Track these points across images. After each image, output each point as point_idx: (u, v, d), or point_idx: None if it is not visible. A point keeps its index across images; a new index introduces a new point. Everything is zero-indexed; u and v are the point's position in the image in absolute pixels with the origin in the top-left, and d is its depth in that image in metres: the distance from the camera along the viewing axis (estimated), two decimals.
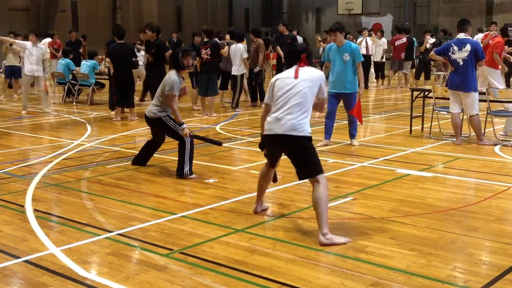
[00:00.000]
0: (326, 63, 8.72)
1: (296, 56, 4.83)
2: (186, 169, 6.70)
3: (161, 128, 7.01)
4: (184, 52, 6.95)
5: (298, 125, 4.61)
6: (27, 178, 6.77)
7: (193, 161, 6.81)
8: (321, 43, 20.17)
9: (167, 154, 7.95)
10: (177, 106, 6.78)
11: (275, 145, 4.86)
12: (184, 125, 6.80)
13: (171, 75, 6.83)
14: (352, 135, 8.67)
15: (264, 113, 4.93)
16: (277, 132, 4.67)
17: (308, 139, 4.67)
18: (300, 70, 4.75)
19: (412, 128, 9.71)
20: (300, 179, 4.83)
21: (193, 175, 6.70)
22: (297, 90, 4.65)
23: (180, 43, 18.87)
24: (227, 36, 14.11)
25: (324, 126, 8.71)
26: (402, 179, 6.62)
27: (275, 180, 5.40)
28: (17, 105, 14.73)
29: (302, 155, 4.70)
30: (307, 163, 4.68)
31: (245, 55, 13.11)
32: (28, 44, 13.12)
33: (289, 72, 4.80)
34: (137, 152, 7.59)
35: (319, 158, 4.78)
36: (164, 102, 6.84)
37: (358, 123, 8.68)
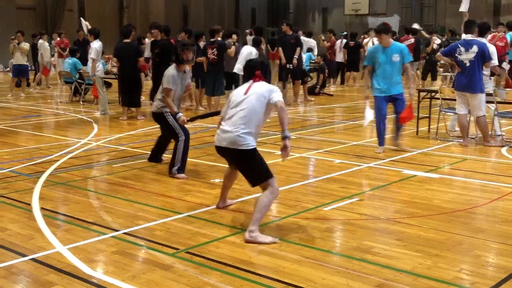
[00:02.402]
0: (369, 67, 8.30)
1: (251, 71, 4.95)
2: (175, 168, 6.74)
3: (162, 124, 7.06)
4: (184, 47, 6.95)
5: (240, 139, 4.71)
6: (34, 177, 6.79)
7: (199, 161, 6.82)
8: (325, 42, 20.15)
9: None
10: (171, 99, 6.76)
11: (220, 154, 5.01)
12: (180, 114, 6.82)
13: (170, 69, 6.89)
14: (397, 137, 8.36)
15: (218, 125, 5.02)
16: (221, 144, 4.84)
17: (250, 151, 4.76)
18: (252, 86, 4.85)
19: (419, 129, 9.69)
20: (251, 186, 4.92)
21: (182, 175, 6.71)
22: (245, 105, 4.75)
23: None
24: (234, 36, 14.11)
25: (376, 132, 8.29)
26: (409, 180, 6.61)
27: None
28: (24, 104, 14.79)
29: (245, 166, 4.86)
30: (252, 173, 4.82)
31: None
32: None
33: (243, 87, 4.93)
34: (144, 150, 7.60)
35: (266, 163, 4.89)
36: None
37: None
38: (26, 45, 16.85)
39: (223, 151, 4.90)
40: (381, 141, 8.23)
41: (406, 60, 8.06)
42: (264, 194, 4.69)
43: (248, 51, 13.00)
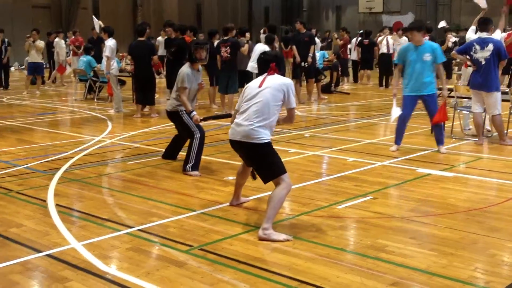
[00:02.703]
0: (400, 66, 8.13)
1: (265, 64, 4.93)
2: (189, 165, 6.76)
3: (176, 122, 7.09)
4: (197, 45, 6.98)
5: (254, 132, 4.68)
6: (49, 173, 6.84)
7: (213, 158, 6.83)
8: (338, 40, 20.09)
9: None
10: (186, 97, 6.79)
11: (234, 148, 4.98)
12: (194, 112, 6.85)
13: (184, 68, 6.93)
14: (440, 141, 7.99)
15: (232, 119, 5.02)
16: (235, 138, 4.81)
17: (264, 145, 4.71)
18: (266, 79, 4.82)
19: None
20: (264, 182, 4.86)
21: (195, 172, 6.72)
22: (259, 99, 4.72)
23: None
24: (247, 34, 14.10)
25: (395, 130, 8.17)
26: (423, 178, 6.57)
27: (254, 177, 5.39)
28: (40, 101, 14.90)
29: (258, 161, 4.82)
30: (264, 168, 4.78)
31: None
32: None
33: (257, 81, 4.89)
34: (158, 148, 7.62)
35: (280, 159, 4.83)
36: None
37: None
38: (41, 43, 17.00)
39: (237, 145, 4.86)
40: (397, 140, 8.13)
41: (439, 60, 7.79)
42: (277, 190, 4.65)
43: (261, 49, 12.97)
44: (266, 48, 12.97)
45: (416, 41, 7.83)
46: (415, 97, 7.93)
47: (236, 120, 4.85)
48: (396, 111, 8.11)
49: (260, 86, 4.78)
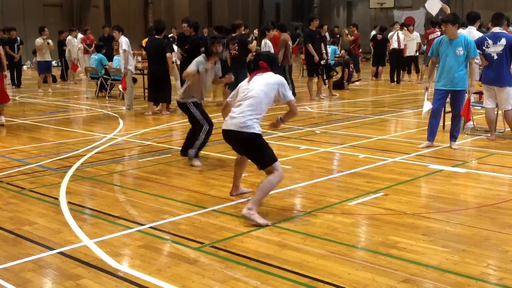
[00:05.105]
0: (433, 58, 7.93)
1: (255, 63, 5.25)
2: (193, 150, 6.99)
3: (185, 113, 7.23)
4: (213, 39, 7.08)
5: (245, 124, 4.96)
6: (61, 171, 6.88)
7: (224, 155, 6.85)
8: (348, 36, 20.01)
9: None
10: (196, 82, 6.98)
11: (226, 139, 5.23)
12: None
13: (198, 57, 7.04)
14: (453, 137, 7.95)
15: (224, 112, 5.49)
16: (228, 127, 5.08)
17: (254, 136, 4.98)
18: (255, 76, 5.14)
19: (445, 123, 9.57)
20: (258, 169, 5.16)
21: (198, 163, 6.96)
22: (251, 94, 5.04)
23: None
24: (255, 31, 14.09)
25: (427, 127, 8.06)
26: (435, 175, 6.54)
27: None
28: (52, 100, 14.98)
29: (250, 151, 5.11)
30: (256, 157, 5.09)
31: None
32: None
33: (248, 78, 5.25)
34: (169, 145, 7.64)
35: (272, 149, 5.11)
36: (191, 86, 7.00)
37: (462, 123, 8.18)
38: (51, 42, 17.14)
39: (230, 136, 5.10)
40: (428, 136, 8.00)
41: (472, 54, 7.60)
42: (269, 177, 4.93)
43: (270, 45, 13.04)
44: (268, 42, 13.07)
45: (450, 34, 7.68)
46: (446, 92, 7.80)
47: (230, 113, 5.15)
48: (427, 106, 8.05)
49: (249, 82, 5.12)
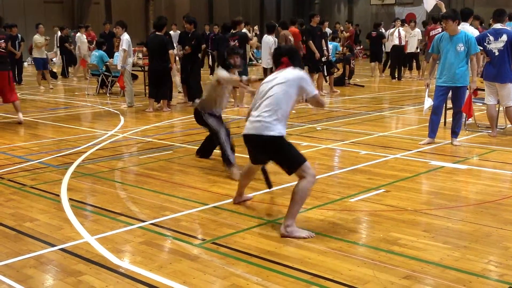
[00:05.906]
0: (434, 55, 7.98)
1: (277, 58, 4.85)
2: (232, 156, 6.53)
3: (202, 124, 6.87)
4: (231, 51, 6.74)
5: (266, 126, 4.56)
6: (62, 168, 6.88)
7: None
8: (344, 33, 20.01)
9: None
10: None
11: (247, 144, 4.86)
12: (245, 77, 6.62)
13: (219, 71, 6.65)
14: (455, 133, 7.95)
15: (247, 116, 5.00)
16: (249, 132, 4.70)
17: (276, 138, 4.57)
18: (279, 73, 4.73)
19: (447, 119, 9.56)
20: (288, 174, 4.71)
21: (235, 172, 6.38)
22: (271, 93, 4.62)
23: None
24: (256, 27, 14.07)
25: (428, 123, 8.05)
26: (436, 171, 6.54)
27: (269, 186, 5.40)
28: (52, 96, 14.98)
29: (273, 155, 4.70)
30: (282, 161, 4.66)
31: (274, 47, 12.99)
32: None
33: (270, 76, 4.82)
34: (170, 142, 7.61)
35: (297, 150, 4.72)
36: (211, 98, 6.70)
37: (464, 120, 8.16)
38: (48, 38, 17.39)
39: (251, 140, 4.74)
40: (429, 133, 7.99)
41: (473, 50, 7.60)
42: (301, 184, 4.50)
43: (266, 42, 13.02)
44: (270, 39, 13.04)
45: (450, 30, 7.67)
46: (447, 88, 7.79)
47: (250, 117, 4.77)
48: (428, 102, 8.03)
49: (271, 81, 4.71)
